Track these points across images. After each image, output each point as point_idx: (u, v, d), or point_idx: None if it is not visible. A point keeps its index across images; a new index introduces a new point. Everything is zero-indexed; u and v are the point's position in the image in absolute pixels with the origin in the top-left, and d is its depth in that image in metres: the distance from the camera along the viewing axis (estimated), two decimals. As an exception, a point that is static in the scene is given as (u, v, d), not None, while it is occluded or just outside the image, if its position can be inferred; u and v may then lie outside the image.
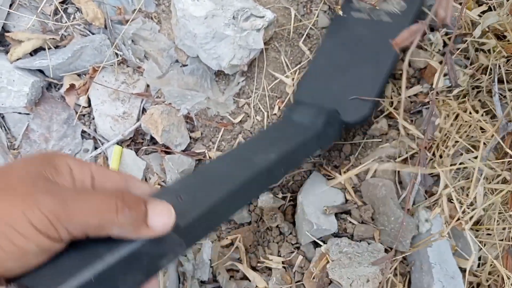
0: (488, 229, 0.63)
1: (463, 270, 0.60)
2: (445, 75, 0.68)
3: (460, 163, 0.64)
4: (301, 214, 0.63)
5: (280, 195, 0.69)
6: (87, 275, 0.29)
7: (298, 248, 0.65)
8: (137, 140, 0.73)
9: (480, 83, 0.67)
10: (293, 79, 0.72)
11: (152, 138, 0.71)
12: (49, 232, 0.28)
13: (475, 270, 0.63)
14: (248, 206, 0.68)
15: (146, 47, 0.73)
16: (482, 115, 0.66)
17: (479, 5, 0.68)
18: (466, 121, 0.65)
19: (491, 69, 0.66)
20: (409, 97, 0.70)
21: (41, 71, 0.71)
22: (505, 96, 0.65)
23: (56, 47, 0.71)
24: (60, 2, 0.72)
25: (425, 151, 0.61)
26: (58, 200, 0.29)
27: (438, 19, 0.35)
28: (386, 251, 0.62)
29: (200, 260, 0.62)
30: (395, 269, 0.62)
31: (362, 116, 0.62)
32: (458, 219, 0.60)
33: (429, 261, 0.59)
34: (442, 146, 0.66)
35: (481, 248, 0.62)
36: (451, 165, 0.64)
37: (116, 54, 0.71)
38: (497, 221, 0.62)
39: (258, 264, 0.64)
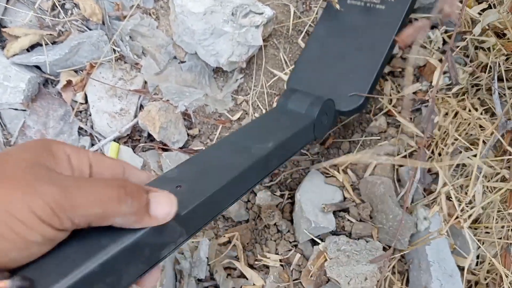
0: (487, 227, 0.63)
1: (461, 269, 0.59)
2: (444, 73, 0.68)
3: (459, 161, 0.63)
4: (299, 212, 0.63)
5: (278, 193, 0.68)
6: (91, 265, 0.29)
7: (296, 246, 0.65)
8: (134, 137, 0.72)
9: (480, 81, 0.67)
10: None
11: (149, 135, 0.71)
12: (52, 221, 0.28)
13: (473, 269, 0.62)
14: (246, 204, 0.68)
15: (144, 43, 0.72)
16: (482, 113, 0.65)
17: (479, 3, 0.68)
18: (465, 119, 0.65)
19: (490, 67, 0.65)
20: (407, 94, 0.70)
21: (38, 67, 0.71)
22: (504, 94, 0.65)
23: (53, 43, 0.71)
24: (57, -2, 0.71)
25: (424, 149, 0.61)
26: (60, 189, 0.28)
27: (443, 15, 0.35)
28: (384, 249, 0.61)
29: (197, 258, 0.62)
30: (393, 267, 0.62)
31: (357, 105, 0.61)
32: (457, 217, 0.60)
33: (427, 259, 0.59)
34: (441, 144, 0.66)
35: (480, 247, 0.61)
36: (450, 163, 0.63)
37: (114, 50, 0.70)
38: (496, 219, 0.62)
39: (256, 262, 0.64)
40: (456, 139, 0.64)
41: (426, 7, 0.69)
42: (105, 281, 0.30)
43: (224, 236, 0.65)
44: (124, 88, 0.70)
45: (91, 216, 0.29)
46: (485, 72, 0.66)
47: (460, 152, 0.64)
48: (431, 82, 0.69)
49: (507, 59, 0.65)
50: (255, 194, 0.67)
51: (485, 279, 0.61)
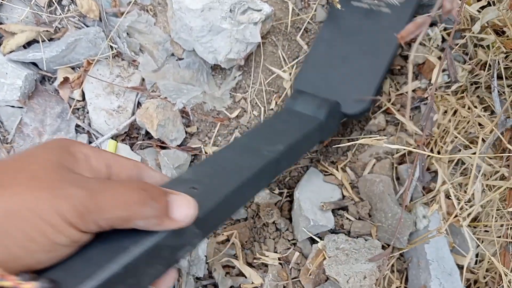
0: (486, 226, 0.63)
1: (460, 267, 0.59)
2: (443, 70, 0.68)
3: (458, 159, 0.63)
4: (298, 210, 0.62)
5: (277, 191, 0.68)
6: (114, 267, 0.30)
7: (294, 244, 0.65)
8: (132, 135, 0.72)
9: (479, 78, 0.67)
10: (290, 73, 0.71)
11: (147, 132, 0.71)
12: (78, 224, 0.28)
13: (472, 267, 0.62)
14: (244, 202, 0.68)
15: (142, 40, 0.72)
16: (481, 111, 0.65)
17: (478, 0, 0.67)
18: (464, 117, 0.65)
19: (490, 65, 0.65)
20: (406, 92, 0.70)
21: (34, 64, 0.70)
22: (503, 92, 0.65)
23: (50, 39, 0.70)
24: (54, -6, 0.71)
25: (423, 147, 0.61)
26: (86, 192, 0.29)
27: (444, 11, 0.34)
28: (383, 247, 0.61)
29: (195, 256, 0.62)
30: (392, 265, 0.62)
31: (362, 108, 0.62)
32: (456, 215, 0.60)
33: (426, 257, 0.59)
34: (440, 142, 0.66)
35: (479, 245, 0.61)
36: (449, 161, 0.63)
37: (111, 47, 0.70)
38: (495, 218, 0.62)
39: (254, 261, 0.64)
40: (455, 137, 0.64)
41: (426, 4, 0.69)
42: (126, 282, 0.31)
43: (223, 235, 0.65)
44: (121, 85, 0.70)
45: (115, 219, 0.30)
46: (484, 70, 0.66)
47: (459, 150, 0.64)
48: (430, 79, 0.68)
49: (506, 56, 0.65)
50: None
51: (484, 277, 0.61)
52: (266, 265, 0.63)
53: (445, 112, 0.67)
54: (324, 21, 0.71)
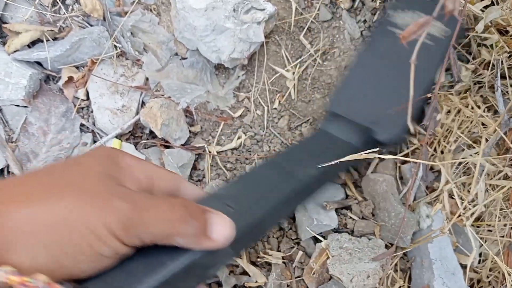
0: (489, 225, 0.63)
1: (463, 267, 0.60)
2: (447, 70, 0.68)
3: (462, 159, 0.63)
4: (301, 209, 0.62)
5: (280, 190, 0.68)
6: (152, 282, 0.31)
7: (298, 243, 0.65)
8: (136, 134, 0.72)
9: (482, 78, 0.67)
10: (293, 73, 0.71)
11: (151, 132, 0.71)
12: (123, 237, 0.29)
13: (475, 267, 0.62)
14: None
15: (145, 40, 0.72)
16: (484, 110, 0.65)
17: (482, 0, 0.67)
18: (467, 117, 0.65)
19: (493, 65, 0.65)
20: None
21: (39, 63, 0.71)
22: (507, 92, 0.65)
23: (54, 39, 0.70)
24: (58, -7, 0.71)
25: (427, 146, 0.61)
26: (132, 206, 0.29)
27: (446, 11, 0.34)
28: (386, 247, 0.61)
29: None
30: (396, 265, 0.62)
31: (397, 137, 0.61)
32: (459, 215, 0.60)
33: (429, 257, 0.59)
34: (444, 141, 0.66)
35: (482, 245, 0.61)
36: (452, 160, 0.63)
37: (115, 46, 0.70)
38: (498, 217, 0.62)
39: (258, 259, 0.64)
40: (458, 137, 0.64)
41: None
42: None
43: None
44: (125, 84, 0.70)
45: (157, 234, 0.30)
46: (487, 70, 0.66)
47: (463, 150, 0.64)
48: (433, 79, 0.68)
49: (510, 56, 0.65)
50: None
51: (488, 277, 0.61)
52: (270, 264, 0.63)
53: (449, 111, 0.67)
54: (364, 44, 0.70)
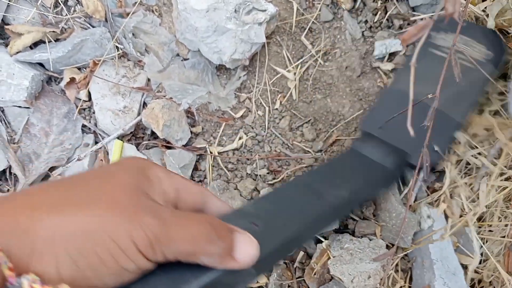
0: (490, 225, 0.63)
1: (464, 267, 0.60)
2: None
3: (464, 160, 0.63)
4: (303, 210, 0.63)
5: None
6: None
7: (299, 243, 0.65)
8: (138, 135, 0.72)
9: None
10: (294, 73, 0.72)
11: (153, 132, 0.71)
12: (147, 253, 0.29)
13: (476, 267, 0.62)
14: (249, 202, 0.68)
15: (147, 41, 0.72)
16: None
17: (483, 0, 0.67)
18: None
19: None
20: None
21: (41, 64, 0.71)
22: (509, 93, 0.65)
23: (56, 40, 0.71)
24: (60, -5, 0.71)
25: (427, 146, 0.61)
26: (159, 222, 0.29)
27: (446, 14, 0.34)
28: (387, 247, 0.61)
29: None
30: (397, 265, 0.62)
31: (434, 163, 0.59)
32: (461, 216, 0.60)
33: (430, 257, 0.59)
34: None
35: (482, 246, 0.61)
36: (455, 161, 0.63)
37: (117, 47, 0.70)
38: (499, 218, 0.62)
39: (259, 260, 0.64)
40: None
41: (430, 4, 0.69)
42: None
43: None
44: (127, 85, 0.70)
45: (182, 252, 0.30)
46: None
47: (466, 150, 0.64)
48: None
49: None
50: (259, 192, 0.67)
51: (488, 277, 0.61)
52: (271, 265, 0.64)
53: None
54: (403, 65, 0.69)
